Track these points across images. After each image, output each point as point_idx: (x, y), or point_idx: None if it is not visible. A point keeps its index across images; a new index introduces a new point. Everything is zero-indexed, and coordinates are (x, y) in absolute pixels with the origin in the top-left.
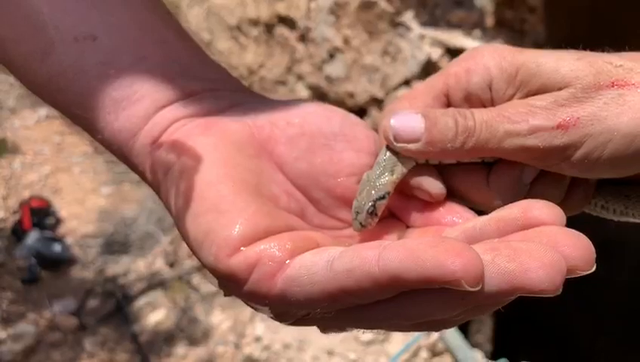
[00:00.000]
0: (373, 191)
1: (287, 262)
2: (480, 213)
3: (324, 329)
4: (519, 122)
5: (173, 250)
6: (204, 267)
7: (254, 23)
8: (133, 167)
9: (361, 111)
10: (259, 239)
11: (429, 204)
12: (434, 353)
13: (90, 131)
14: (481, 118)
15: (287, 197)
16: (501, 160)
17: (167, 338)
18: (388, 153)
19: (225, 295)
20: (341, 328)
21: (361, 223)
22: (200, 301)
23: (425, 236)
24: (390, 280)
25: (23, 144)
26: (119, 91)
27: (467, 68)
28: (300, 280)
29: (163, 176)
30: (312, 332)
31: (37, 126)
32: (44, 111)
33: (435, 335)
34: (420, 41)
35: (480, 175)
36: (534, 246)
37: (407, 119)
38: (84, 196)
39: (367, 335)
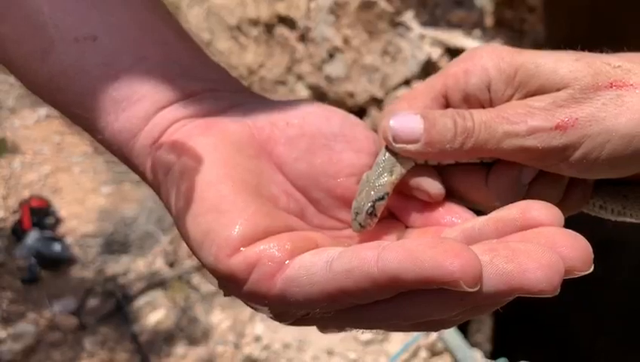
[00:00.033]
0: (372, 192)
1: (286, 262)
2: (479, 213)
3: (324, 329)
4: (518, 123)
5: (173, 249)
6: (204, 267)
7: (254, 22)
8: (134, 168)
9: (361, 111)
10: (258, 239)
11: (428, 204)
12: (433, 352)
13: (91, 131)
14: (479, 118)
15: (287, 197)
16: (500, 160)
17: (166, 337)
18: (387, 154)
19: (225, 295)
20: (340, 328)
21: (360, 224)
22: (200, 300)
23: (424, 236)
24: (389, 280)
25: (22, 144)
26: (119, 92)
27: (465, 69)
28: (299, 280)
29: (163, 177)
30: (311, 331)
31: (37, 125)
32: (43, 110)
33: (434, 334)
34: (420, 40)
35: (479, 175)
36: (532, 247)
37: (406, 120)
38: (84, 196)
39: (366, 334)
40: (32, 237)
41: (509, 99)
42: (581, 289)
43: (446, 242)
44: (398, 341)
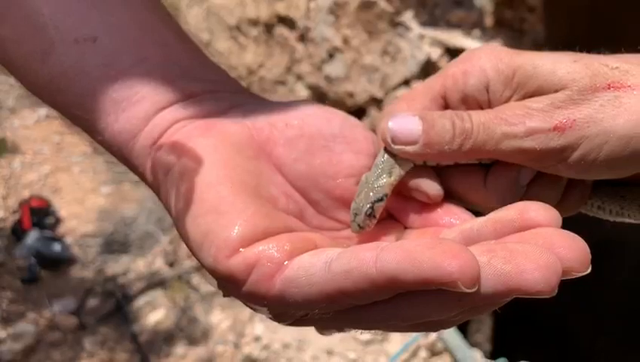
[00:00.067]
0: (371, 193)
1: (285, 263)
2: (477, 214)
3: (323, 329)
4: (516, 124)
5: (172, 249)
6: (204, 268)
7: (254, 22)
8: (133, 168)
9: (360, 111)
10: (257, 240)
11: (427, 205)
12: (433, 352)
13: (91, 133)
14: (478, 120)
15: (286, 198)
16: (498, 161)
17: (166, 337)
18: (386, 155)
19: (224, 295)
20: (339, 329)
21: (359, 225)
22: (199, 300)
23: (423, 237)
24: (387, 281)
25: (22, 144)
26: (119, 92)
27: (464, 70)
28: (298, 281)
29: (163, 178)
30: (311, 331)
31: (36, 126)
32: (43, 110)
33: (434, 334)
34: (420, 40)
35: (477, 176)
36: (530, 248)
37: (405, 121)
38: (83, 196)
39: (366, 334)
40: (32, 237)
41: (508, 100)
42: (581, 289)
43: (444, 243)
44: (397, 341)
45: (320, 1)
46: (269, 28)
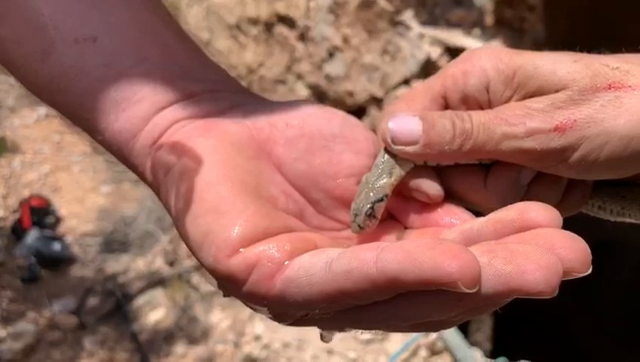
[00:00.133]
0: (371, 194)
1: (285, 263)
2: (478, 214)
3: (323, 329)
4: (516, 125)
5: (172, 248)
6: (204, 268)
7: (254, 22)
8: (133, 168)
9: (360, 111)
10: (258, 240)
11: (427, 205)
12: (433, 352)
13: (91, 132)
14: (478, 120)
15: (286, 198)
16: (498, 162)
17: (166, 336)
18: (386, 155)
19: (224, 295)
20: (340, 329)
21: (359, 225)
22: (199, 300)
23: (423, 237)
24: (388, 281)
25: (22, 143)
26: (119, 92)
27: (464, 70)
28: (298, 281)
29: (163, 177)
30: (311, 331)
31: (36, 125)
32: (43, 110)
33: (434, 334)
34: (420, 40)
35: (477, 177)
36: (531, 249)
37: (405, 122)
38: (83, 195)
39: (366, 334)
40: (32, 236)
41: (508, 100)
42: (581, 289)
43: (445, 243)
44: (398, 340)
45: (320, 0)
46: (268, 27)
